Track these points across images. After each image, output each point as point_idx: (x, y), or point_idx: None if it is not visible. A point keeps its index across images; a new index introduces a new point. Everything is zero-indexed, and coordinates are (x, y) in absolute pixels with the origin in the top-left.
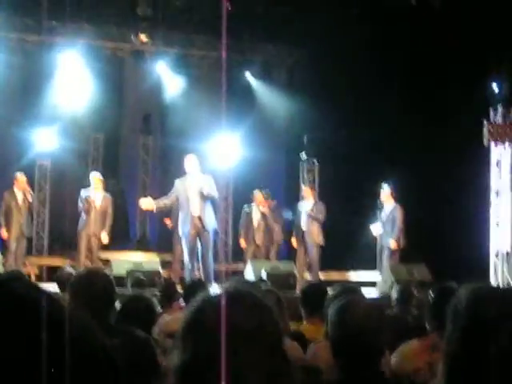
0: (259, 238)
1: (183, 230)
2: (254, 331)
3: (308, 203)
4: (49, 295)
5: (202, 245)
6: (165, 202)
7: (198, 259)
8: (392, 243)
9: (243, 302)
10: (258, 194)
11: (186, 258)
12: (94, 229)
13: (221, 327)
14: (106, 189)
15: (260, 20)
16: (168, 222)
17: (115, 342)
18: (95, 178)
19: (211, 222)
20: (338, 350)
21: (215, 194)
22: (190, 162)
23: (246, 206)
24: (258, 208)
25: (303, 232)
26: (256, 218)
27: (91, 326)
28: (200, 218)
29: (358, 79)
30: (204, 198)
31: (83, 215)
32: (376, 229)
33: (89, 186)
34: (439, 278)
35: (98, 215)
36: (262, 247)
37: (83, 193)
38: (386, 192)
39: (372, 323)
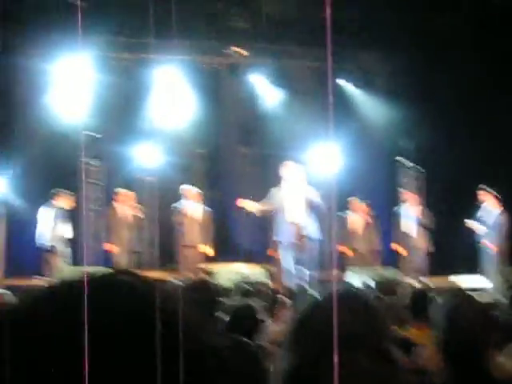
0: (360, 246)
1: (284, 238)
2: (362, 334)
3: (413, 209)
4: (159, 285)
5: (304, 253)
6: (265, 207)
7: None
8: (493, 247)
9: (351, 305)
10: (357, 203)
11: (289, 266)
12: (193, 240)
13: (328, 330)
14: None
15: (356, 27)
16: (272, 253)
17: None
18: (191, 190)
19: (314, 230)
20: (446, 352)
21: (320, 201)
22: (287, 169)
23: (341, 213)
24: (360, 215)
25: (409, 238)
26: (357, 225)
27: (199, 322)
28: (302, 226)
29: (459, 82)
30: (308, 205)
31: (181, 228)
32: (473, 225)
33: (180, 199)
34: None
35: (197, 227)
36: (365, 254)
37: (176, 206)
38: (488, 195)
39: (481, 326)
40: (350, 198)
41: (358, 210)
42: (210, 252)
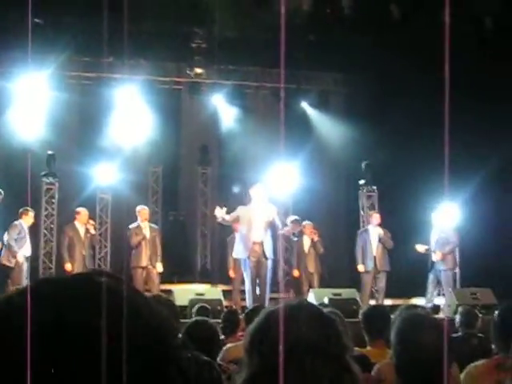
0: (311, 266)
1: (243, 256)
2: (318, 342)
3: (377, 229)
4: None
5: (260, 272)
6: (227, 217)
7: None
8: (437, 254)
9: (307, 314)
10: (308, 224)
11: (248, 285)
12: (148, 261)
13: (285, 338)
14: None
15: (314, 49)
16: (232, 274)
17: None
18: (143, 210)
19: (271, 250)
20: (401, 367)
21: (279, 223)
22: (257, 191)
23: (294, 235)
24: (309, 237)
25: (374, 258)
26: (306, 246)
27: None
28: (262, 245)
29: (415, 104)
30: (268, 225)
31: (135, 249)
32: (421, 248)
33: (135, 220)
34: (504, 302)
35: (150, 246)
36: (315, 274)
37: (132, 226)
38: (439, 215)
39: (437, 343)
40: (303, 222)
41: (309, 231)
42: (160, 269)
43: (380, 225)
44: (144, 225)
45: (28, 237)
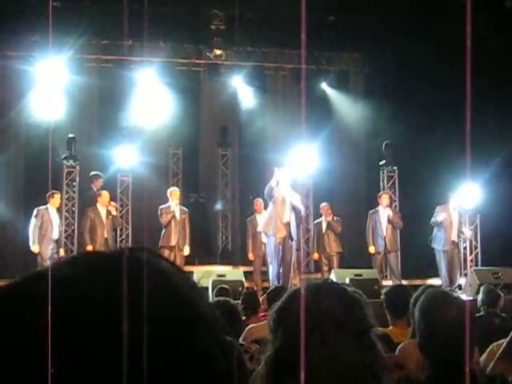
0: (330, 247)
1: (270, 233)
2: (342, 318)
3: (386, 210)
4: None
5: (285, 253)
6: (275, 186)
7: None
8: (467, 232)
9: (331, 291)
10: (324, 205)
11: (272, 264)
12: (177, 242)
13: (309, 315)
14: (188, 202)
15: (333, 29)
16: (251, 257)
17: None
18: (175, 191)
19: (295, 231)
20: (425, 344)
21: (302, 208)
22: (283, 174)
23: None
24: (325, 218)
25: (384, 239)
26: (324, 227)
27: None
28: (288, 225)
29: (435, 83)
30: (292, 207)
31: (164, 229)
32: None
33: (167, 202)
34: None
35: (180, 228)
36: (335, 255)
37: (163, 206)
38: (456, 198)
39: (461, 316)
40: (321, 204)
41: (326, 212)
42: (187, 251)
43: (390, 206)
44: (175, 205)
45: (56, 219)
